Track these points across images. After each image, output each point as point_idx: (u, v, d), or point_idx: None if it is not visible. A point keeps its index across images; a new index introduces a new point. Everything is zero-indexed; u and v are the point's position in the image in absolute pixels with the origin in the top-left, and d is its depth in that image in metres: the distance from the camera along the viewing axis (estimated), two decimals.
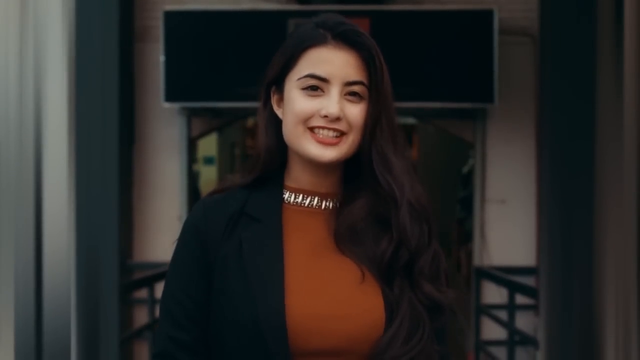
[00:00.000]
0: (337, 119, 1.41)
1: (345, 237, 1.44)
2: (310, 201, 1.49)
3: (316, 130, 1.41)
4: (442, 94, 6.12)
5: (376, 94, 1.43)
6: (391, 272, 1.42)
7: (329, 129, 1.41)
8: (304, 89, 1.43)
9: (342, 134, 1.42)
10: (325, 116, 1.40)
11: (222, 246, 1.44)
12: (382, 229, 1.44)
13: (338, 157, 1.43)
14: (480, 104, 6.19)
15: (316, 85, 1.42)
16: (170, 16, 6.18)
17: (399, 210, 1.42)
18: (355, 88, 1.43)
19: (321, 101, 1.41)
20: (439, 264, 1.46)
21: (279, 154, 1.49)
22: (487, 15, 6.02)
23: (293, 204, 1.49)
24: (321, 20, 1.46)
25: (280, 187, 1.50)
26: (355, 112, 1.42)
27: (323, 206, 1.49)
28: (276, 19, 6.11)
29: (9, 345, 1.63)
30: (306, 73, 1.42)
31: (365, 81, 1.43)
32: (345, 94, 1.42)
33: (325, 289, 1.40)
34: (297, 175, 1.49)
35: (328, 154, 1.42)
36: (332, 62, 1.41)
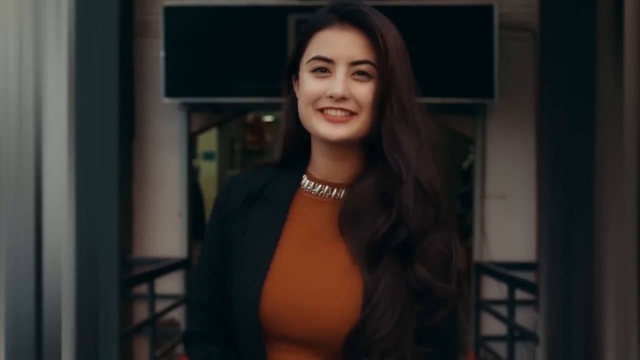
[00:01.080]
0: (343, 99, 1.41)
1: (350, 217, 1.44)
2: (322, 189, 1.50)
3: (326, 111, 1.43)
4: (442, 89, 6.11)
5: (383, 72, 1.42)
6: (382, 251, 1.40)
7: (336, 109, 1.42)
8: (312, 71, 1.44)
9: (351, 113, 1.43)
10: (331, 96, 1.41)
11: (233, 224, 1.49)
12: (386, 207, 1.42)
13: (348, 135, 1.43)
14: (480, 99, 6.19)
15: (324, 67, 1.43)
16: (170, 11, 6.17)
17: (404, 186, 1.40)
18: (363, 67, 1.42)
19: (328, 82, 1.42)
20: (448, 259, 1.43)
21: (300, 138, 1.52)
22: (487, 10, 6.02)
23: (307, 191, 1.52)
24: (333, 4, 1.46)
25: (302, 172, 1.53)
26: (363, 91, 1.42)
27: (334, 195, 1.50)
28: (276, 14, 6.10)
29: (0, 341, 1.63)
30: (313, 55, 1.44)
31: (373, 60, 1.42)
32: (352, 74, 1.43)
33: (307, 280, 1.42)
34: (315, 160, 1.51)
35: (337, 131, 1.42)
36: (337, 43, 1.42)
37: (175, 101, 6.38)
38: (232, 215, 1.50)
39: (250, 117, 12.78)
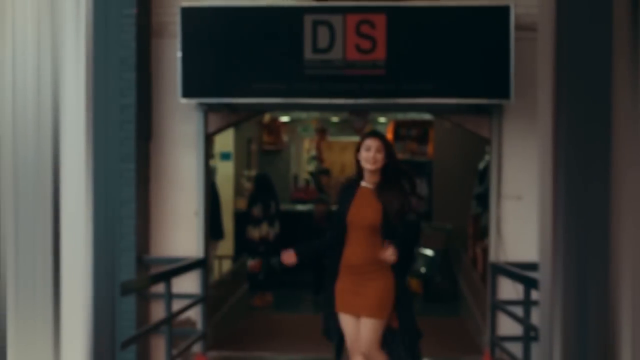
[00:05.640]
0: (373, 159, 4.82)
1: (378, 193, 4.83)
2: (367, 185, 4.86)
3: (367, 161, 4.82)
4: (459, 90, 6.12)
5: (386, 150, 4.85)
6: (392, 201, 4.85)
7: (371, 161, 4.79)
8: (365, 150, 4.86)
9: (376, 161, 4.82)
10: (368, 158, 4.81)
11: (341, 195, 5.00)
12: (390, 190, 4.88)
13: (376, 169, 4.83)
14: (497, 100, 6.19)
15: (368, 147, 4.83)
16: (187, 12, 6.21)
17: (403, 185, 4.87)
18: (380, 149, 4.82)
19: (368, 153, 4.82)
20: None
21: (358, 168, 4.96)
22: (504, 11, 6.02)
23: (363, 185, 4.89)
24: (369, 132, 5.06)
25: (361, 179, 4.93)
26: (379, 157, 4.80)
27: (371, 187, 4.86)
28: (292, 14, 6.13)
29: None
30: (364, 145, 4.87)
31: (382, 147, 4.83)
32: (376, 151, 4.81)
33: (362, 208, 4.82)
34: (364, 175, 4.91)
35: (370, 166, 4.83)
36: (371, 143, 4.82)
37: (192, 101, 6.42)
38: (342, 194, 5.03)
39: (267, 117, 12.82)
